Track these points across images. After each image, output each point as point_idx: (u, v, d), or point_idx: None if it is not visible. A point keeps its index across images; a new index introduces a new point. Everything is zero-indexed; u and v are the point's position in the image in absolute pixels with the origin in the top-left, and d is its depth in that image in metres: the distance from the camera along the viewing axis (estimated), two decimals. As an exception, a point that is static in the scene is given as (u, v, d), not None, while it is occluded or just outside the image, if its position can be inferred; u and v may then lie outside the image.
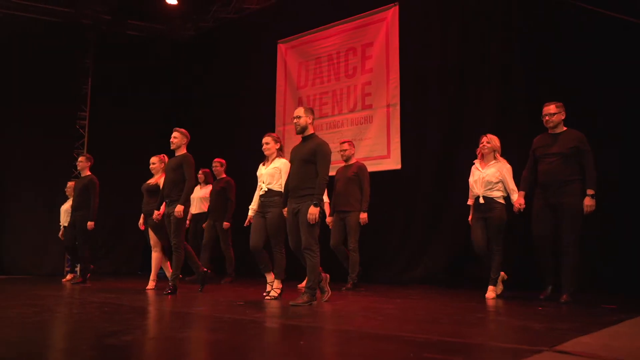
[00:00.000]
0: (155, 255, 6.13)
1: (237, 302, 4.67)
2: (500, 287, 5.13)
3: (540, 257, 4.87)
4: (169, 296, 5.29)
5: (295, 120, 4.71)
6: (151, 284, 6.15)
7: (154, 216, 5.81)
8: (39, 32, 9.45)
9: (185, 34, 10.54)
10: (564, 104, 4.86)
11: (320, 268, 4.59)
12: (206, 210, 7.73)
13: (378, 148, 7.63)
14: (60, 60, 9.63)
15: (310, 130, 4.71)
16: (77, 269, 7.97)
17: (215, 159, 7.68)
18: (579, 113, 5.24)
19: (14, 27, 9.27)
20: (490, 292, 5.03)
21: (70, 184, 7.87)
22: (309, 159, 4.53)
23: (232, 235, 7.45)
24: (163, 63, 10.58)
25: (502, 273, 5.13)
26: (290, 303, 4.42)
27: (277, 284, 5.09)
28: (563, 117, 4.83)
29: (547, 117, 4.87)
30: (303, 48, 8.85)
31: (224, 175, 7.62)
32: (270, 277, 5.07)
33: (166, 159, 6.32)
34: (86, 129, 10.20)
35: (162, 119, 10.11)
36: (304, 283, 6.44)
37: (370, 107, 7.83)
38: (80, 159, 7.49)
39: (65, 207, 7.84)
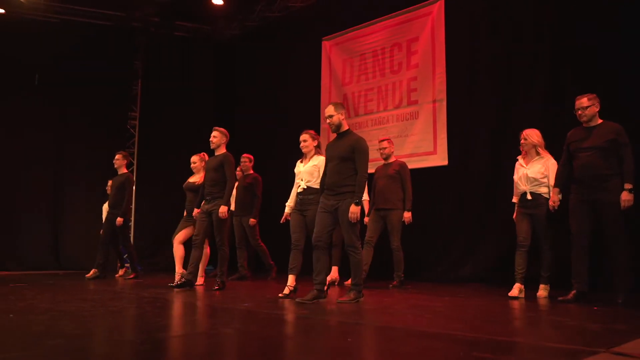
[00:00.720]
0: (180, 248, 6.20)
1: (283, 298, 4.70)
2: (518, 289, 4.93)
3: (575, 256, 4.59)
4: (217, 292, 5.38)
5: (328, 121, 4.58)
6: (200, 280, 6.27)
7: (194, 214, 5.89)
8: (92, 36, 9.78)
9: (230, 34, 10.68)
10: (597, 95, 4.62)
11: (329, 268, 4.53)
12: None
13: (424, 144, 7.53)
14: (112, 62, 9.95)
15: (345, 127, 4.59)
16: (127, 265, 8.17)
17: (244, 155, 7.63)
18: (630, 106, 5.02)
19: (71, 32, 9.63)
20: (542, 291, 4.89)
21: (111, 182, 7.94)
22: (347, 156, 4.42)
23: (261, 231, 7.40)
24: (209, 63, 10.76)
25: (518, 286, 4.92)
26: (338, 300, 4.42)
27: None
28: (597, 110, 4.59)
29: (579, 111, 4.63)
30: (347, 45, 8.83)
31: (252, 172, 7.57)
32: (291, 279, 4.90)
33: (206, 157, 6.38)
34: (136, 129, 10.50)
35: (209, 118, 10.30)
36: (349, 281, 6.43)
37: (416, 102, 7.74)
38: (117, 156, 7.54)
39: (106, 206, 7.99)
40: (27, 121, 9.38)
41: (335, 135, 4.68)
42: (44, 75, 9.53)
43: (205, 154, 6.50)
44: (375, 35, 8.43)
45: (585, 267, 4.55)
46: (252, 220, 7.26)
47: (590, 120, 4.62)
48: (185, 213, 6.41)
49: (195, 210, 5.87)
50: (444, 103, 7.38)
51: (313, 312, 3.85)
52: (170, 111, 10.18)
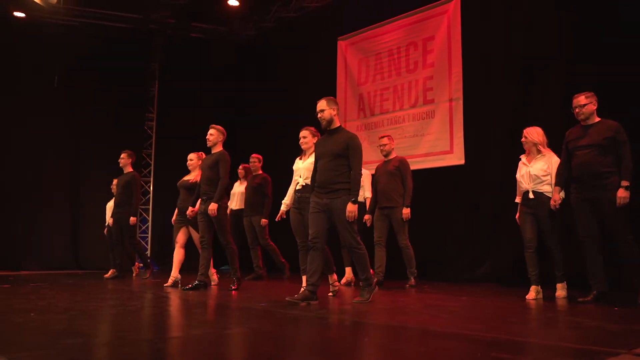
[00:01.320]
0: (180, 252, 6.19)
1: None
2: (535, 291, 4.82)
3: (587, 258, 4.50)
4: (234, 292, 5.39)
5: (319, 115, 4.44)
6: (213, 278, 6.22)
7: (188, 212, 5.83)
8: (111, 39, 9.90)
9: (246, 35, 10.72)
10: (595, 93, 4.54)
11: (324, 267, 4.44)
12: None
13: (440, 143, 7.48)
14: (129, 64, 10.06)
15: (336, 123, 4.46)
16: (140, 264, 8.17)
17: (253, 155, 7.61)
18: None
19: (89, 34, 9.76)
20: (560, 291, 4.81)
21: (116, 181, 7.90)
22: (341, 153, 4.29)
23: (273, 230, 7.35)
24: (225, 63, 10.82)
25: None
26: (353, 300, 4.39)
27: (332, 279, 5.02)
28: (594, 108, 4.52)
29: (577, 110, 4.56)
30: (363, 44, 8.81)
31: (261, 172, 7.53)
32: (305, 280, 4.88)
33: (203, 156, 6.36)
34: (154, 130, 10.60)
35: (225, 119, 10.36)
36: (344, 280, 6.36)
37: (432, 101, 7.69)
38: (122, 155, 7.54)
39: (110, 204, 7.96)
40: (46, 123, 9.52)
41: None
42: (63, 77, 9.66)
43: (202, 153, 6.44)
44: (390, 34, 8.39)
45: (599, 267, 4.46)
46: (263, 221, 7.22)
47: (587, 118, 4.55)
48: (176, 212, 6.34)
49: (190, 209, 5.82)
50: (461, 102, 7.32)
51: (329, 312, 3.84)
52: (187, 112, 10.26)
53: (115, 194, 7.70)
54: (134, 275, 7.84)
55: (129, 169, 7.54)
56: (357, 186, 4.29)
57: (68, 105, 9.74)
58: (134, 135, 10.27)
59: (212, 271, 6.31)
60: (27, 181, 9.40)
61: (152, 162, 10.57)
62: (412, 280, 6.02)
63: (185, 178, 6.42)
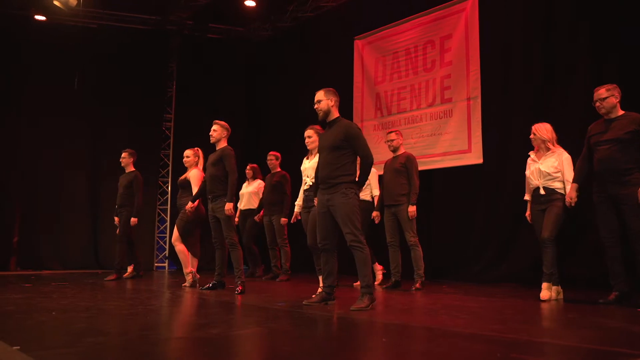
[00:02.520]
0: (179, 249, 6.09)
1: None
2: (555, 292, 4.65)
3: (609, 258, 4.39)
4: (239, 296, 5.36)
5: (316, 106, 4.29)
6: (189, 278, 6.13)
7: (187, 207, 5.82)
8: (128, 40, 10.00)
9: (263, 35, 10.76)
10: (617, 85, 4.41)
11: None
12: (255, 206, 7.63)
13: (458, 142, 7.42)
14: (147, 66, 10.15)
15: (334, 114, 4.28)
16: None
17: (271, 152, 7.57)
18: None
19: (108, 36, 9.87)
20: (545, 291, 4.57)
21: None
22: (340, 145, 4.09)
23: (287, 229, 7.33)
24: (242, 64, 10.87)
25: None
26: (351, 308, 3.87)
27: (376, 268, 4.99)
28: (616, 101, 4.38)
29: (597, 103, 4.43)
30: (380, 43, 8.78)
31: (279, 169, 7.47)
32: (321, 280, 4.76)
33: (200, 152, 6.32)
34: (172, 131, 10.68)
35: (242, 119, 10.41)
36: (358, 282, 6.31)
37: (450, 100, 7.64)
38: (123, 154, 7.47)
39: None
40: (66, 124, 9.62)
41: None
42: (82, 78, 9.78)
43: (199, 149, 6.40)
44: (407, 33, 8.35)
45: (621, 267, 4.36)
46: (283, 220, 7.14)
47: (609, 112, 4.42)
48: None
49: (190, 205, 5.81)
50: (479, 100, 7.26)
51: (347, 311, 3.83)
52: (204, 112, 10.29)
53: (118, 193, 7.58)
54: (140, 273, 7.81)
55: (130, 168, 7.50)
56: (366, 175, 4.16)
57: (87, 106, 9.83)
58: (152, 136, 10.34)
59: (190, 270, 6.15)
60: (48, 182, 9.53)
61: (170, 163, 10.64)
62: (418, 283, 5.75)
63: (183, 176, 6.38)
